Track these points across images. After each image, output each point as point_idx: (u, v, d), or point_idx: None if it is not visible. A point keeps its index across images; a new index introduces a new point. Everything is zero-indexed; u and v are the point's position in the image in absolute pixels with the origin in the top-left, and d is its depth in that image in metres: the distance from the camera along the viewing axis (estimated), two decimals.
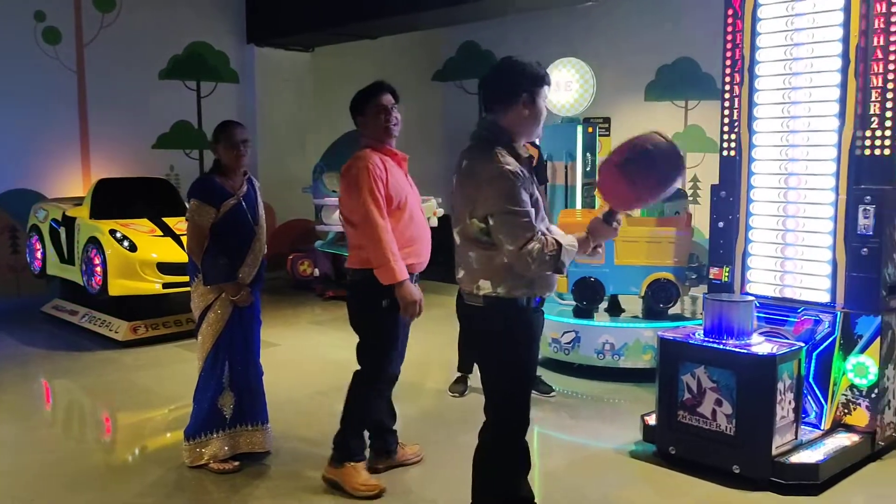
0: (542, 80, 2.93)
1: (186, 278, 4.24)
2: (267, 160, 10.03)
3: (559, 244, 2.82)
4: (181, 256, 6.40)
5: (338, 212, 4.26)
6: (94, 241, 6.80)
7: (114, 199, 7.30)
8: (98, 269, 6.73)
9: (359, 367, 3.94)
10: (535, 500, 3.28)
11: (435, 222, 8.61)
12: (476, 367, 3.39)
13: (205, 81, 9.73)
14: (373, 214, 3.68)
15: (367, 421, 3.99)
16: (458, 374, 5.48)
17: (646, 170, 2.85)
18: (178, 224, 6.93)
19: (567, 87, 6.52)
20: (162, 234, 7.00)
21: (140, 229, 6.97)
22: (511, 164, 2.83)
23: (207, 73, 9.72)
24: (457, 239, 3.00)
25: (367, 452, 4.04)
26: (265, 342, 6.55)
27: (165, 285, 6.72)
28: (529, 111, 2.91)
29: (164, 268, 6.71)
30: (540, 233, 2.81)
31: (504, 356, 3.01)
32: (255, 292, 4.20)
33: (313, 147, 10.17)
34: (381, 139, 3.86)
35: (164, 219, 7.21)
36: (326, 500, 3.84)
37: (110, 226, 6.87)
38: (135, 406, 5.42)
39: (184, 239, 4.90)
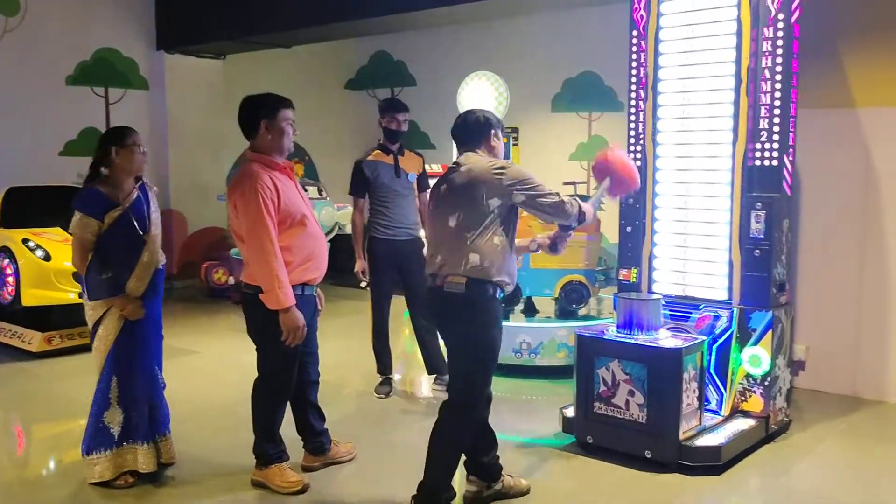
0: (500, 123, 3.80)
1: None
2: (178, 168, 9.95)
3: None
4: None
5: None
6: (5, 251, 6.65)
7: (25, 207, 7.14)
8: (10, 279, 6.58)
9: (258, 375, 4.03)
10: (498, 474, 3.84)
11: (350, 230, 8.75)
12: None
13: (113, 88, 9.56)
14: (262, 240, 3.68)
15: (276, 426, 4.05)
16: (382, 377, 5.66)
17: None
18: None
19: (482, 98, 6.81)
20: None
21: (53, 238, 6.85)
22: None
23: (116, 79, 9.55)
24: (451, 223, 3.49)
25: (304, 450, 4.18)
26: (184, 350, 6.56)
27: (81, 294, 6.60)
28: (496, 144, 3.75)
29: (80, 277, 6.60)
30: None
31: (479, 333, 3.47)
32: (154, 304, 4.06)
33: (226, 155, 10.14)
34: (276, 154, 3.87)
35: None
36: (253, 495, 3.99)
37: (22, 234, 6.73)
38: (50, 418, 5.34)
39: None
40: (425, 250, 5.67)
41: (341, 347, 6.63)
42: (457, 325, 3.54)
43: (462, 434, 3.57)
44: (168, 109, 9.93)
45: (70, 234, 3.97)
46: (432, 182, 7.98)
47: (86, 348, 6.63)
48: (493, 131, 3.73)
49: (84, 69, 9.28)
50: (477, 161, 3.61)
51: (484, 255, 3.46)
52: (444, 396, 3.72)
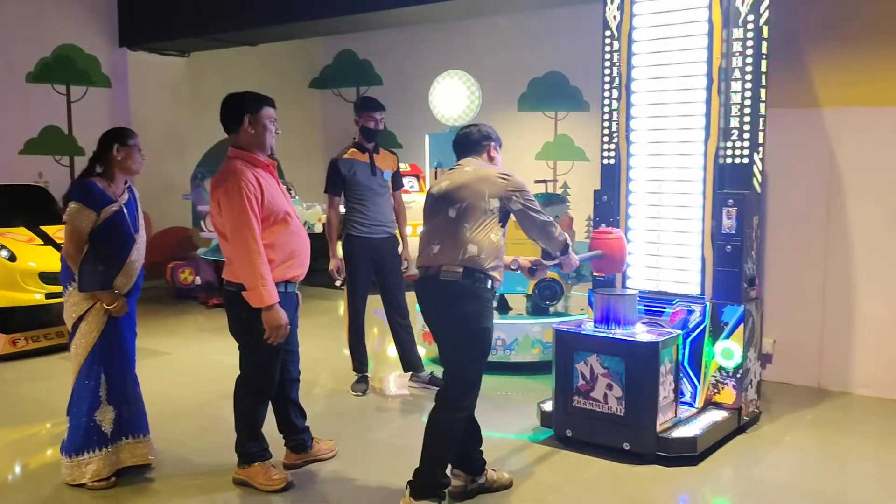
0: (499, 139, 4.01)
1: None
2: (142, 167, 9.79)
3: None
4: None
5: None
6: None
7: None
8: None
9: (240, 373, 4.03)
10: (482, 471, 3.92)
11: (320, 228, 8.72)
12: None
13: (75, 86, 9.40)
14: (246, 237, 3.67)
15: (259, 424, 4.05)
16: (359, 375, 5.66)
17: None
18: (58, 233, 6.70)
19: (454, 97, 6.84)
20: (42, 242, 6.78)
21: (18, 238, 6.72)
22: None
23: (77, 76, 9.40)
24: (451, 213, 3.61)
25: (285, 448, 4.19)
26: (154, 351, 6.48)
27: (48, 295, 6.51)
28: (495, 156, 3.96)
29: (46, 277, 6.50)
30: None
31: (474, 322, 3.56)
32: (131, 302, 4.09)
33: (191, 153, 10.04)
34: (258, 151, 3.86)
35: (43, 227, 6.98)
36: (236, 494, 3.98)
37: None
38: (15, 421, 5.23)
39: None
40: (400, 248, 5.72)
41: (313, 346, 6.59)
42: (452, 315, 3.59)
43: (457, 422, 3.62)
44: (131, 107, 9.79)
45: (64, 222, 3.94)
46: (405, 181, 8.00)
47: (51, 350, 6.63)
48: (493, 144, 3.97)
49: (45, 66, 9.11)
50: (482, 164, 3.83)
51: (481, 248, 3.60)
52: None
